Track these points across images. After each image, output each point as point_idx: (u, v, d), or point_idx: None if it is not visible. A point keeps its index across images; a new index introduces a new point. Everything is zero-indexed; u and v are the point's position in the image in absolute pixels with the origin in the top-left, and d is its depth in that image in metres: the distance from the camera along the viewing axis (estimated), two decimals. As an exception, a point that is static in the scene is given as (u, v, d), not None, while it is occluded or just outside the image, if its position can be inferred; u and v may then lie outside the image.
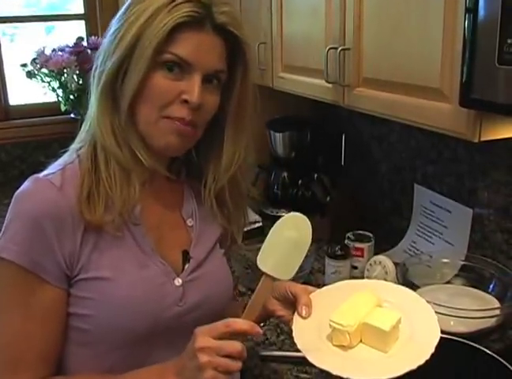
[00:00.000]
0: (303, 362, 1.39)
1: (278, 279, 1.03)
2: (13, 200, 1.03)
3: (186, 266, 1.15)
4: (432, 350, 0.93)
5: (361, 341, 0.99)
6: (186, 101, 1.03)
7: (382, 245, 1.96)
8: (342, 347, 0.97)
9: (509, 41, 1.00)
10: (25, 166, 2.97)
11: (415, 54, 1.34)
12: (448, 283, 1.71)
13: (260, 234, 2.18)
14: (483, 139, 1.21)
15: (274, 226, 1.06)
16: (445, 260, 1.73)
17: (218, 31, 1.04)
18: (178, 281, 1.12)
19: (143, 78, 1.01)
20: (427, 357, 0.91)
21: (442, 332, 1.17)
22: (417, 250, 1.94)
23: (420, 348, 0.94)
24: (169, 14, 0.99)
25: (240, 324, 0.96)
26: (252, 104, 1.15)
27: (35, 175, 1.05)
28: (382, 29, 1.46)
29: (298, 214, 1.07)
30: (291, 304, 1.10)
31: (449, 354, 1.21)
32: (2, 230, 1.03)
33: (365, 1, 1.51)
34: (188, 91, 1.03)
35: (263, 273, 1.03)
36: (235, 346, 0.93)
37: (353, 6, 1.55)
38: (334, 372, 0.91)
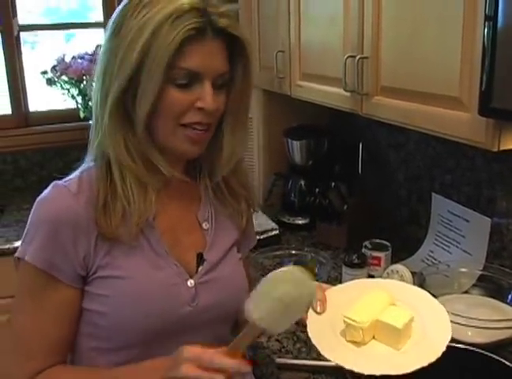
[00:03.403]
0: (320, 370, 1.39)
1: (266, 333, 1.01)
2: (36, 201, 1.08)
3: (200, 268, 1.16)
4: (444, 348, 0.94)
5: (374, 338, 1.00)
6: (200, 108, 1.05)
7: (399, 254, 1.95)
8: (355, 342, 0.99)
9: (529, 50, 0.99)
10: (44, 172, 3.00)
11: (433, 63, 1.34)
12: (466, 293, 1.70)
13: (276, 242, 2.19)
14: (502, 148, 1.21)
15: (273, 273, 0.98)
16: (463, 270, 1.72)
17: (218, 34, 1.05)
18: (190, 282, 1.14)
19: (156, 96, 1.02)
20: (439, 355, 0.93)
21: (460, 342, 1.16)
22: (435, 260, 1.93)
23: (432, 346, 0.96)
24: (173, 29, 0.99)
25: (229, 362, 0.93)
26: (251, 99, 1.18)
27: (56, 181, 1.10)
28: (400, 38, 1.46)
29: (300, 269, 0.98)
30: None
31: (466, 365, 1.20)
32: (24, 233, 1.10)
33: (383, 9, 1.51)
34: (202, 99, 1.05)
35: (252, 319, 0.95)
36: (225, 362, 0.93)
37: (371, 15, 1.55)
38: (347, 366, 0.93)
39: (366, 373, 0.92)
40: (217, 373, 0.92)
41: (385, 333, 0.99)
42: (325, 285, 1.13)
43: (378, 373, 0.92)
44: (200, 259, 1.17)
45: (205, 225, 1.21)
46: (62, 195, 1.07)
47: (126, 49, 1.02)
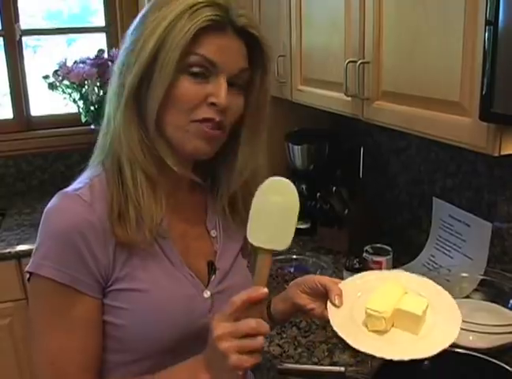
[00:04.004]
0: (321, 375, 1.39)
1: (276, 251, 0.98)
2: (43, 216, 1.04)
3: (213, 277, 1.15)
4: (458, 330, 1.03)
5: (393, 325, 1.06)
6: (213, 104, 1.02)
7: (401, 259, 1.95)
8: (377, 331, 1.04)
9: (529, 55, 0.99)
10: (46, 176, 3.01)
11: (434, 68, 1.34)
12: (467, 297, 1.69)
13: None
14: (503, 153, 1.21)
15: (255, 195, 1.00)
16: (464, 275, 1.72)
17: (238, 33, 1.04)
18: (206, 293, 1.12)
19: (169, 84, 1.00)
20: (456, 336, 1.01)
21: (461, 347, 1.16)
22: (436, 264, 1.92)
23: (447, 330, 1.04)
24: (190, 20, 0.98)
25: (245, 293, 0.94)
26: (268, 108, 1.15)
27: (64, 190, 1.06)
28: (401, 43, 1.46)
29: (277, 178, 1.00)
30: (321, 296, 1.14)
31: (468, 370, 1.20)
32: (35, 246, 1.03)
33: (384, 14, 1.52)
34: (215, 94, 1.02)
35: (257, 248, 0.97)
36: (250, 323, 0.93)
37: (372, 19, 1.55)
38: (377, 354, 0.99)
39: (395, 358, 0.98)
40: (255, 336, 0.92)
41: (405, 320, 1.04)
42: (337, 280, 1.16)
43: (406, 358, 0.98)
44: (211, 268, 1.16)
45: (213, 233, 1.19)
46: (75, 204, 1.02)
47: (144, 40, 1.01)
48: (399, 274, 1.22)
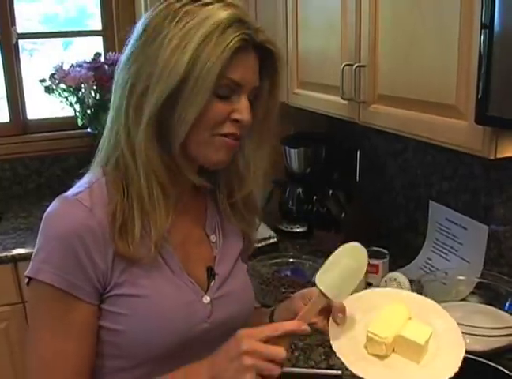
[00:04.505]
0: (318, 378, 1.39)
1: (330, 300, 1.03)
2: (43, 220, 1.03)
3: (212, 283, 1.15)
4: (460, 362, 0.99)
5: (394, 350, 1.02)
6: (236, 120, 1.03)
7: (397, 262, 1.95)
8: (377, 355, 1.01)
9: (525, 58, 1.00)
10: (42, 179, 3.00)
11: (430, 71, 1.35)
12: (463, 300, 1.70)
13: (275, 250, 2.19)
14: (499, 156, 1.21)
15: (335, 252, 1.08)
16: (460, 278, 1.72)
17: (256, 48, 1.04)
18: (206, 299, 1.12)
19: (204, 107, 0.99)
20: (457, 368, 0.98)
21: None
22: (432, 267, 1.93)
23: (449, 360, 1.00)
24: (224, 38, 0.97)
25: (288, 325, 0.97)
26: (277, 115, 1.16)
27: (64, 195, 1.05)
28: (397, 46, 1.47)
29: (356, 244, 1.08)
30: (325, 311, 1.10)
31: (464, 373, 1.20)
32: (35, 251, 1.03)
33: (380, 18, 1.52)
34: (239, 111, 1.03)
35: (319, 289, 1.04)
36: (280, 351, 0.94)
37: (368, 23, 1.56)
38: None
39: None
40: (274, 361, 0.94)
41: (406, 348, 1.00)
42: None
43: None
44: (210, 273, 1.16)
45: (212, 238, 1.19)
46: (75, 209, 1.01)
47: (169, 57, 0.97)
48: (404, 294, 1.19)
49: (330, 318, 1.07)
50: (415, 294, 1.17)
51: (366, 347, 1.02)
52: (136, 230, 1.02)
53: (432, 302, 1.12)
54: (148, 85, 1.00)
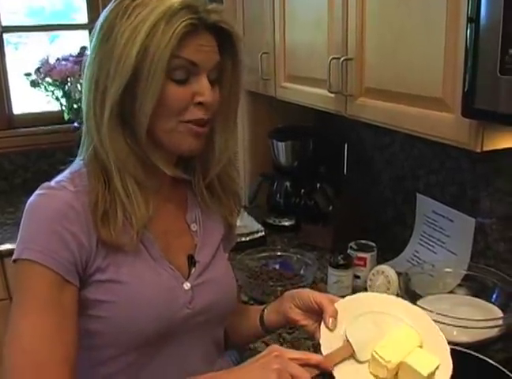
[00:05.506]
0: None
1: (355, 354, 1.00)
2: (26, 208, 1.03)
3: (193, 270, 1.16)
4: None
5: (396, 374, 0.99)
6: (199, 103, 1.05)
7: (385, 255, 1.96)
8: (377, 376, 0.98)
9: (510, 51, 1.00)
10: (29, 174, 2.97)
11: (417, 64, 1.35)
12: (451, 292, 1.71)
13: (262, 244, 2.19)
14: (485, 149, 1.22)
15: None
16: (447, 270, 1.73)
17: (209, 29, 1.05)
18: (186, 285, 1.14)
19: (159, 93, 1.01)
20: None
21: (445, 341, 1.16)
22: (420, 260, 1.94)
23: None
24: (170, 26, 0.99)
25: (316, 360, 0.96)
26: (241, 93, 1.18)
27: (46, 183, 1.06)
28: (384, 39, 1.47)
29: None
30: (315, 313, 1.11)
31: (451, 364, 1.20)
32: (18, 237, 1.02)
33: (367, 11, 1.52)
34: (200, 94, 1.05)
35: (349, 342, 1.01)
36: (303, 374, 0.91)
37: (355, 17, 1.56)
38: None
39: None
40: None
41: (409, 375, 0.98)
42: (334, 297, 1.11)
43: None
44: (191, 261, 1.17)
45: (193, 227, 1.21)
46: (59, 192, 1.03)
47: (122, 50, 1.00)
48: (397, 300, 1.15)
49: (322, 323, 1.05)
50: (410, 305, 1.14)
51: (368, 365, 0.99)
52: (118, 219, 1.04)
53: (427, 316, 1.11)
54: (107, 80, 1.02)
